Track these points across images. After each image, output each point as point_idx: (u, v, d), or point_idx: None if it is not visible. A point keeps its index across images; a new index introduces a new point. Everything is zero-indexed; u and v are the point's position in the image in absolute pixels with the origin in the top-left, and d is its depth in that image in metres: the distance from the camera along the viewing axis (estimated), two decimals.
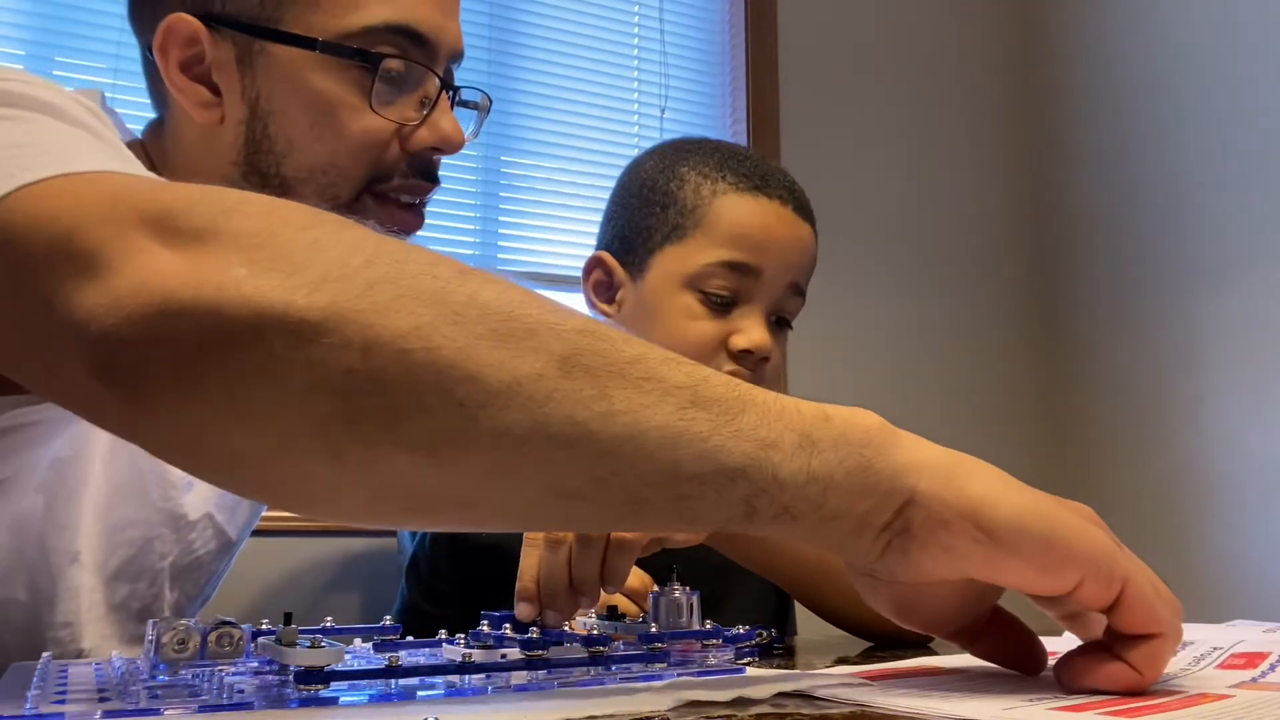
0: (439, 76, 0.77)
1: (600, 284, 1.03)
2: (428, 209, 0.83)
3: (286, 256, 0.38)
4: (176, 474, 0.81)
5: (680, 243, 0.97)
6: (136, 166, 0.53)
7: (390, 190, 0.78)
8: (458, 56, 0.81)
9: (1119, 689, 0.42)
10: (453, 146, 0.79)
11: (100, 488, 0.78)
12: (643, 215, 1.01)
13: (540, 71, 1.92)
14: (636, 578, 0.75)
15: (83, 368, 0.39)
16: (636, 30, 2.04)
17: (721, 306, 0.95)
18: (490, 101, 0.87)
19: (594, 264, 1.03)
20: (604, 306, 1.02)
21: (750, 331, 0.94)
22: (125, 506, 0.80)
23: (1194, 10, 1.97)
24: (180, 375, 0.38)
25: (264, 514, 1.53)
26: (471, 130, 0.87)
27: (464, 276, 0.40)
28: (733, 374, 0.90)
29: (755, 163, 1.02)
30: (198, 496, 0.84)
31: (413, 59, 0.75)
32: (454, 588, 0.96)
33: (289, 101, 0.74)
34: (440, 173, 0.82)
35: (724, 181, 0.98)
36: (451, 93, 0.80)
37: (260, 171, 0.75)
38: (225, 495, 0.86)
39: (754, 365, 0.95)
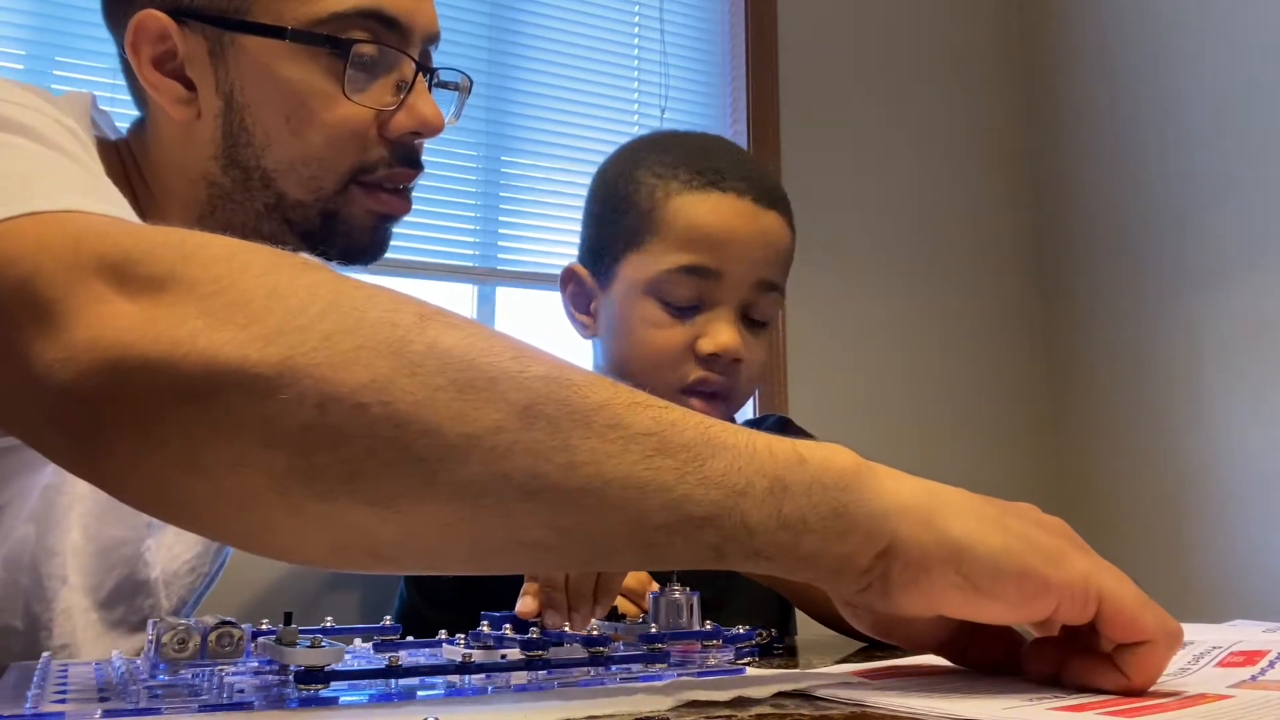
0: (414, 60, 0.76)
1: (576, 295, 1.02)
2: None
3: (244, 305, 0.38)
4: None
5: (640, 250, 0.94)
6: (109, 194, 0.53)
7: (375, 180, 0.77)
8: (434, 39, 0.80)
9: (1112, 690, 0.42)
10: (432, 130, 0.78)
11: (89, 510, 0.78)
12: (605, 223, 0.99)
13: (540, 71, 1.92)
14: (634, 577, 0.75)
15: (44, 418, 0.40)
16: (636, 30, 2.04)
17: (685, 311, 0.92)
18: (470, 82, 0.86)
19: (568, 276, 1.02)
20: (581, 317, 1.01)
21: (716, 334, 0.91)
22: (114, 526, 0.79)
23: (1195, 10, 1.97)
24: (138, 429, 0.38)
25: None
26: (453, 112, 0.86)
27: (424, 322, 0.39)
28: (702, 380, 0.90)
29: (712, 156, 0.96)
30: None
31: (385, 43, 0.75)
32: (452, 591, 0.96)
33: (263, 93, 0.74)
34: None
35: (677, 181, 0.94)
36: (429, 75, 0.79)
37: (241, 165, 0.75)
38: None
39: (724, 368, 0.92)
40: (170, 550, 0.84)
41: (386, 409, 0.37)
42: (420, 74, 0.77)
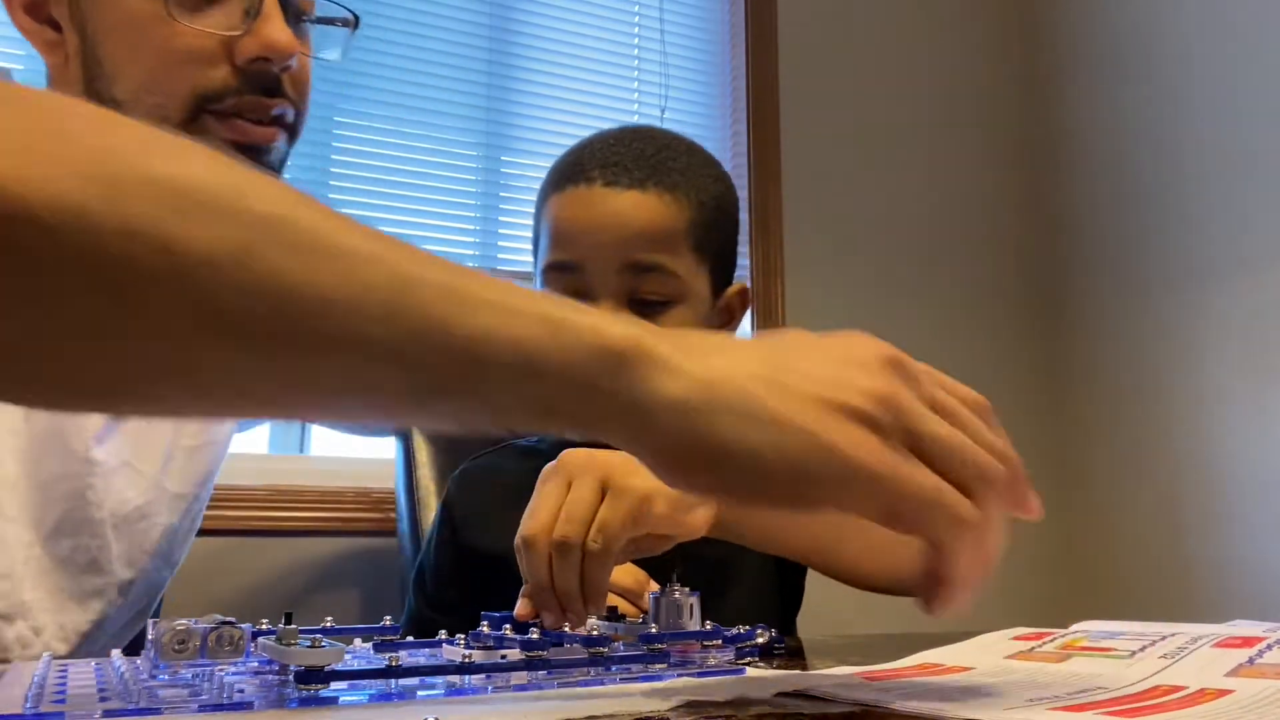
0: None
1: None
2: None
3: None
4: (90, 422, 0.80)
5: (537, 258, 0.96)
6: None
7: (227, 109, 0.76)
8: None
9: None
10: (280, 54, 0.76)
11: (25, 442, 0.78)
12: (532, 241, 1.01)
13: (540, 71, 1.92)
14: (630, 575, 0.74)
15: None
16: (636, 30, 2.04)
17: None
18: (357, 19, 0.85)
19: None
20: None
21: None
22: (52, 460, 0.79)
23: (1195, 9, 1.97)
24: None
25: (264, 515, 1.54)
26: (338, 51, 0.85)
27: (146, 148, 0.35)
28: None
29: (585, 150, 0.95)
30: (113, 445, 0.82)
31: None
32: (459, 596, 0.96)
33: (109, 22, 0.74)
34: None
35: (548, 185, 0.96)
36: (287, 3, 0.78)
37: (99, 98, 0.75)
38: (146, 446, 0.85)
39: None
40: (120, 494, 0.82)
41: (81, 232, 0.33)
42: (275, 0, 0.77)
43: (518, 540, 0.64)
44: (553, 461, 0.68)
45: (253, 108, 0.77)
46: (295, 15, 0.80)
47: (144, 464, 0.85)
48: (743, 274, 1.98)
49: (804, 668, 0.56)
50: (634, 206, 0.90)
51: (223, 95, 0.76)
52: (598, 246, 0.90)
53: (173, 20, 0.73)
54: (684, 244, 0.92)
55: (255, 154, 0.79)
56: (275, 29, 0.76)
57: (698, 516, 0.66)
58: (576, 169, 0.93)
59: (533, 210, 1.00)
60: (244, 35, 0.75)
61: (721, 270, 0.97)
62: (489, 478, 1.02)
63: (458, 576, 0.97)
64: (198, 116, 0.76)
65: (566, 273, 0.91)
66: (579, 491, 0.62)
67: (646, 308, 0.90)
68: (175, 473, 0.88)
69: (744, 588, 0.90)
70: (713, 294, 0.96)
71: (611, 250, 0.89)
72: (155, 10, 0.73)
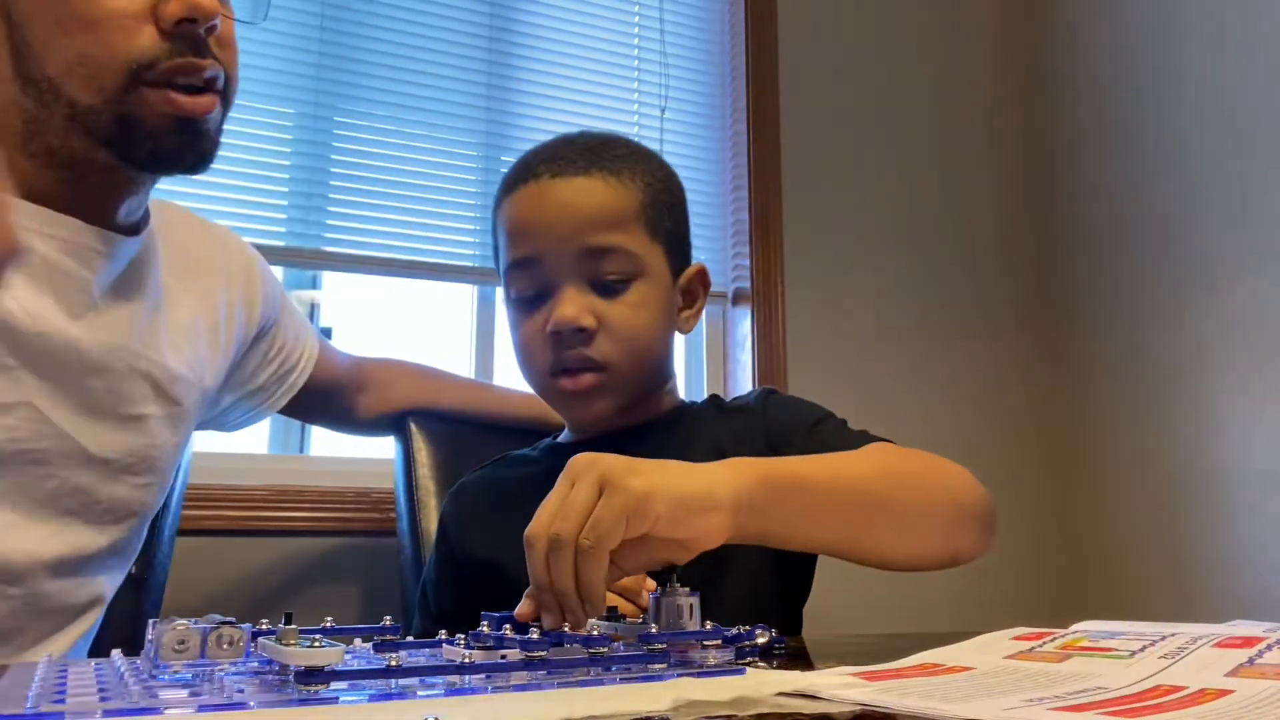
0: None
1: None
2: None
3: None
4: None
5: (500, 265, 0.99)
6: None
7: (161, 75, 0.78)
8: None
9: None
10: (203, 12, 0.78)
11: None
12: (493, 252, 1.04)
13: (540, 71, 1.92)
14: (630, 577, 0.74)
15: None
16: (636, 30, 2.04)
17: (533, 303, 0.94)
18: None
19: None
20: None
21: (555, 311, 0.91)
22: None
23: (1196, 11, 1.97)
24: None
25: (264, 515, 1.54)
26: (251, 10, 0.87)
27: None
28: (559, 359, 0.92)
29: (528, 155, 0.99)
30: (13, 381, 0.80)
31: None
32: (456, 606, 0.96)
33: (31, 2, 0.76)
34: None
35: (499, 195, 0.99)
36: None
37: (31, 79, 0.77)
38: (89, 417, 0.83)
39: (575, 340, 0.91)
40: (6, 430, 0.79)
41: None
42: None
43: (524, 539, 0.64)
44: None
45: (185, 70, 0.79)
46: None
47: (45, 401, 0.81)
48: (742, 274, 1.98)
49: (804, 668, 0.56)
50: (583, 192, 0.93)
51: (154, 61, 0.78)
52: (553, 237, 0.92)
53: None
54: (635, 224, 0.94)
55: (193, 125, 0.81)
56: None
57: (711, 523, 0.65)
58: (524, 170, 0.97)
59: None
60: (166, 0, 0.78)
61: (677, 251, 0.99)
62: (483, 488, 1.03)
63: (454, 587, 0.97)
64: (134, 88, 0.77)
65: (527, 268, 0.93)
66: (577, 491, 0.62)
67: (608, 289, 0.93)
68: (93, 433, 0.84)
69: (742, 576, 0.90)
70: (671, 274, 0.98)
71: (567, 237, 0.92)
72: None
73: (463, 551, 0.97)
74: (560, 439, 1.05)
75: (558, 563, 0.60)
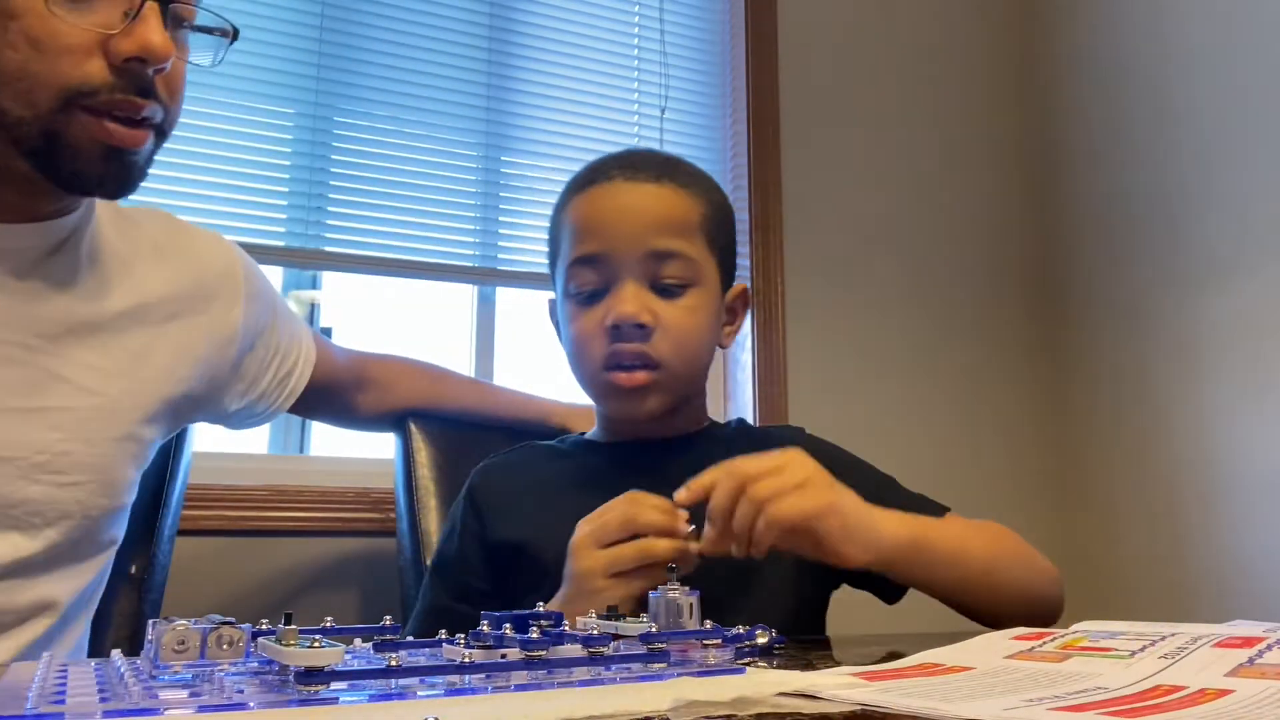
0: None
1: (557, 324, 1.06)
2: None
3: None
4: None
5: (557, 266, 1.02)
6: None
7: (98, 105, 0.78)
8: None
9: None
10: (156, 56, 0.78)
11: None
12: (549, 253, 1.06)
13: (540, 71, 1.92)
14: (660, 511, 0.81)
15: None
16: (636, 30, 2.04)
17: (593, 298, 0.96)
18: (236, 31, 0.87)
19: (549, 308, 1.07)
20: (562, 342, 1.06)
21: (616, 305, 0.93)
22: None
23: (1193, 11, 1.97)
24: None
25: (264, 515, 1.54)
26: (214, 59, 0.87)
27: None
28: (614, 353, 0.94)
29: (603, 160, 1.02)
30: None
31: None
32: (487, 585, 0.96)
33: None
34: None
35: (566, 194, 1.02)
36: (166, 10, 0.80)
37: None
38: None
39: (631, 334, 0.93)
40: None
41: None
42: (156, 5, 0.78)
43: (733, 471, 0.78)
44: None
45: (124, 106, 0.79)
46: (175, 22, 0.82)
47: None
48: (743, 275, 1.98)
49: (804, 668, 0.56)
50: (654, 197, 0.97)
51: (95, 91, 0.78)
52: (624, 236, 0.95)
53: (51, 14, 0.75)
54: (697, 234, 0.98)
55: (121, 154, 0.80)
56: (152, 31, 0.78)
57: (860, 554, 0.80)
58: (596, 172, 1.00)
59: (548, 222, 1.06)
60: (120, 35, 0.77)
61: (727, 268, 1.03)
62: (515, 473, 1.04)
63: (487, 565, 0.97)
64: (67, 108, 0.77)
65: (592, 265, 0.96)
66: (791, 474, 0.79)
67: (667, 292, 0.96)
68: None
69: (765, 591, 0.91)
70: (721, 288, 1.02)
71: (635, 237, 0.95)
72: (34, 4, 0.75)
73: (495, 533, 0.97)
74: (590, 436, 1.07)
75: (745, 501, 0.76)
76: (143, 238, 0.97)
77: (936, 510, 0.99)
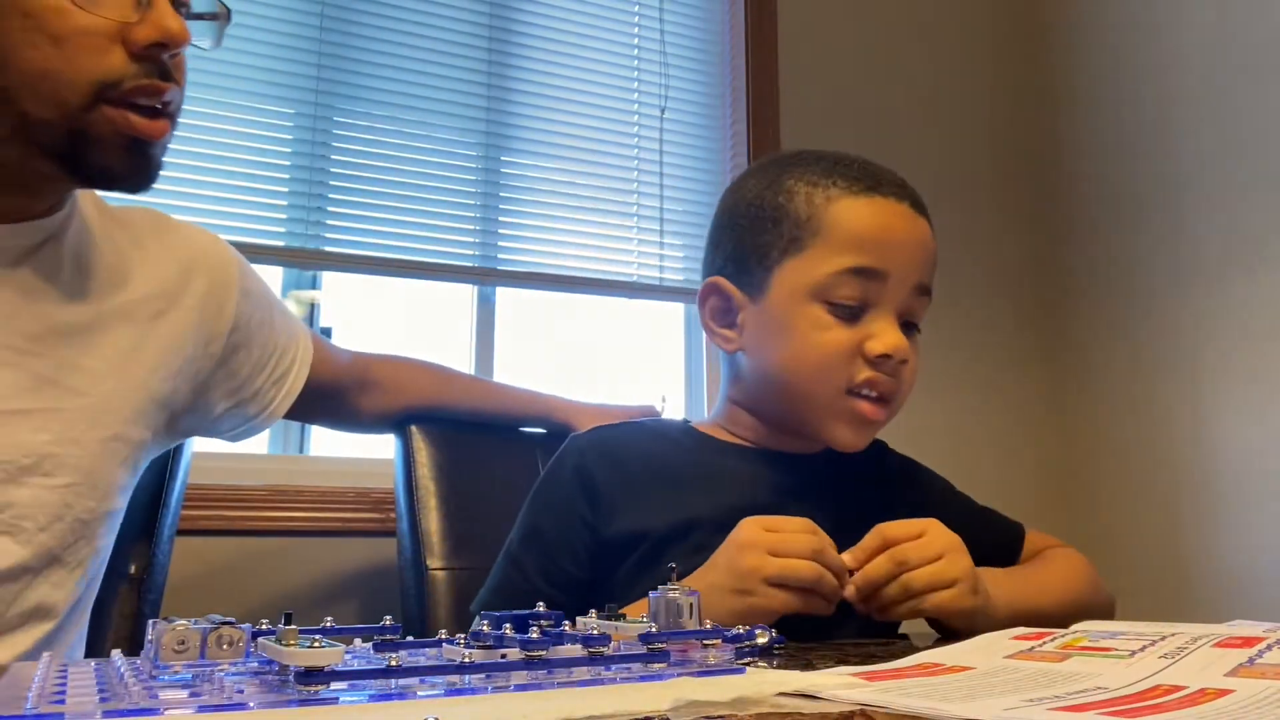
0: None
1: (718, 310, 1.00)
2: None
3: None
4: None
5: (800, 255, 0.93)
6: None
7: (124, 94, 0.78)
8: None
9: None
10: (175, 40, 0.80)
11: None
12: (755, 234, 0.97)
13: (540, 71, 1.92)
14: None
15: None
16: (636, 30, 2.04)
17: (851, 314, 0.92)
18: (229, 12, 0.89)
19: (709, 290, 1.00)
20: (726, 332, 0.99)
21: (884, 335, 0.91)
22: None
23: (1194, 9, 1.97)
24: None
25: (264, 515, 1.54)
26: (211, 39, 0.88)
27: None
28: (871, 381, 0.92)
29: (864, 164, 0.99)
30: None
31: None
32: (586, 573, 0.93)
33: None
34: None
35: (835, 187, 0.95)
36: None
37: None
38: None
39: (892, 370, 0.92)
40: None
41: None
42: None
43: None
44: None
45: (148, 91, 0.80)
46: (176, 6, 0.83)
47: None
48: None
49: (804, 668, 0.56)
50: (928, 232, 0.98)
51: (119, 81, 0.78)
52: (907, 263, 0.94)
53: (69, 8, 0.76)
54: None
55: (144, 146, 0.81)
56: (170, 17, 0.80)
57: (964, 616, 0.82)
58: (876, 181, 0.96)
59: (742, 204, 0.99)
60: (139, 23, 0.78)
61: None
62: (629, 458, 0.97)
63: (589, 552, 0.93)
64: (94, 106, 0.78)
65: (868, 278, 0.92)
66: (932, 541, 0.82)
67: (907, 329, 0.96)
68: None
69: (854, 628, 0.89)
70: None
71: (915, 269, 0.94)
72: (52, 1, 0.76)
73: (613, 522, 0.92)
74: (710, 432, 1.03)
75: (898, 585, 0.79)
76: (131, 234, 0.96)
77: (1016, 531, 1.05)
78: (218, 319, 1.01)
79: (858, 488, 0.98)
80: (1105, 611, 0.98)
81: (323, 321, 1.81)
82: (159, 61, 0.80)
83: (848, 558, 0.80)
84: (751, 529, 0.80)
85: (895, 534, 0.81)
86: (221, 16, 0.88)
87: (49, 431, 0.85)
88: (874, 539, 0.81)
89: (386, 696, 0.42)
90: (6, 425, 0.83)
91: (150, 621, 0.44)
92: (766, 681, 0.45)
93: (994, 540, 1.02)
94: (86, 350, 0.88)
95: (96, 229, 0.93)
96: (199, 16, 0.87)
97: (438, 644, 0.52)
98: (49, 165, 0.80)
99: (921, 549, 0.80)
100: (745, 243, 0.98)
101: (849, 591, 0.80)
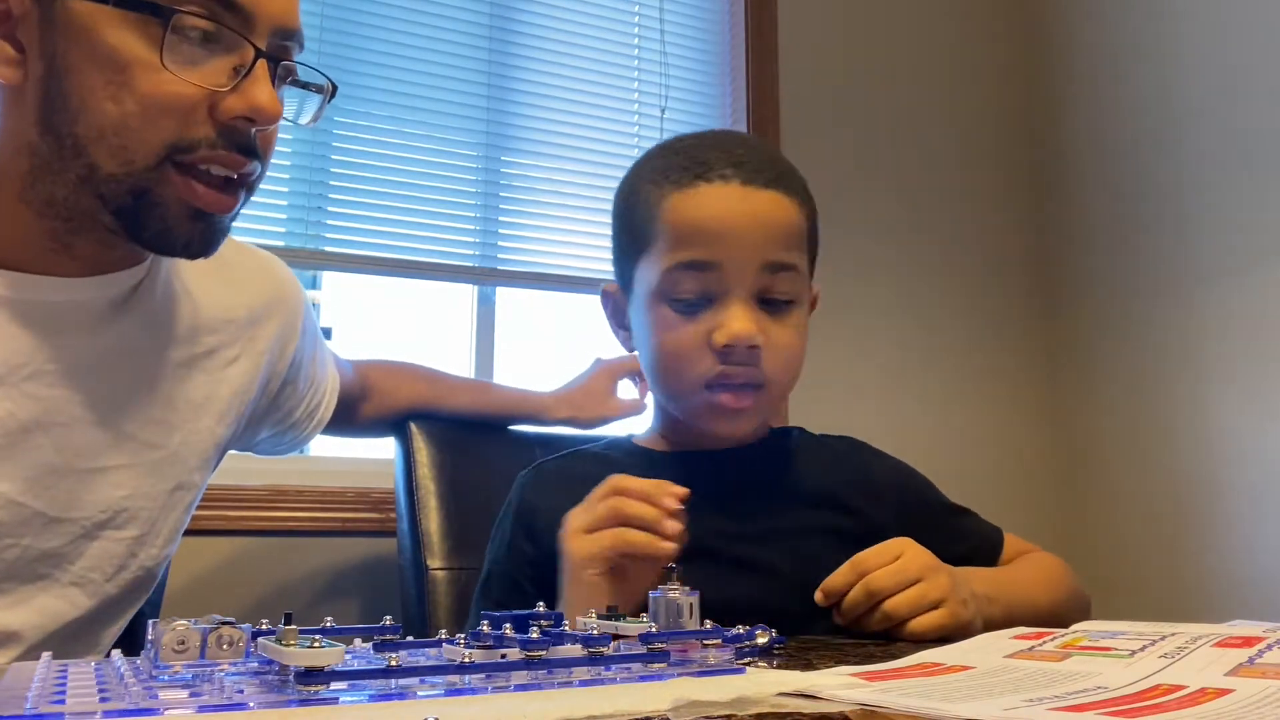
0: (254, 45, 0.75)
1: (615, 311, 1.02)
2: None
3: None
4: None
5: (645, 256, 0.93)
6: None
7: (196, 160, 0.75)
8: (289, 34, 0.79)
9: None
10: (265, 117, 0.76)
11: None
12: (619, 238, 0.99)
13: (540, 71, 1.92)
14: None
15: None
16: (636, 30, 2.04)
17: (694, 307, 0.90)
18: (335, 87, 0.85)
19: (605, 294, 1.02)
20: (622, 332, 1.01)
21: (729, 324, 0.88)
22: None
23: (1198, 10, 1.97)
24: None
25: (264, 515, 1.54)
26: (311, 115, 0.85)
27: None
28: (723, 374, 0.90)
29: (703, 150, 0.93)
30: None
31: (222, 23, 0.74)
32: (537, 599, 0.93)
33: (83, 57, 0.73)
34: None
35: (667, 184, 0.92)
36: (275, 66, 0.78)
37: (55, 131, 0.74)
38: (37, 478, 0.79)
39: (744, 357, 0.89)
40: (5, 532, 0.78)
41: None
42: (265, 62, 0.76)
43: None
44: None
45: (224, 162, 0.76)
46: (282, 78, 0.80)
47: (35, 498, 0.79)
48: None
49: (804, 668, 0.56)
50: (773, 205, 0.91)
51: (196, 146, 0.75)
52: (742, 246, 0.89)
53: (162, 69, 0.72)
54: (802, 246, 0.94)
55: (208, 217, 0.78)
56: (263, 91, 0.76)
57: (949, 624, 0.80)
58: (703, 168, 0.91)
59: (614, 208, 1.00)
60: (230, 92, 0.75)
61: (811, 274, 1.00)
62: (567, 487, 0.94)
63: (535, 586, 0.91)
64: (161, 165, 0.74)
65: (701, 270, 0.89)
66: (909, 563, 0.81)
67: (773, 306, 0.91)
68: (89, 503, 0.83)
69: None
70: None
71: (753, 250, 0.89)
72: (146, 57, 0.72)
73: (550, 546, 0.90)
74: (644, 443, 1.02)
75: (880, 614, 0.78)
76: (212, 263, 0.93)
77: (995, 537, 1.01)
78: (280, 360, 1.01)
79: (778, 473, 0.97)
80: (1083, 616, 0.97)
81: (323, 321, 1.81)
82: (243, 134, 0.76)
83: (820, 596, 0.81)
84: (570, 518, 0.81)
85: (868, 562, 0.80)
86: (326, 91, 0.84)
87: (126, 487, 0.85)
88: (848, 569, 0.80)
89: (386, 696, 0.42)
90: (91, 482, 0.82)
91: (150, 621, 0.44)
92: (766, 681, 0.45)
93: (972, 546, 0.99)
94: (164, 404, 0.88)
95: (180, 269, 0.91)
96: (303, 86, 0.83)
97: (438, 644, 0.52)
98: (112, 221, 0.77)
99: (895, 574, 0.79)
100: (616, 247, 1.01)
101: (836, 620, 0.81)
